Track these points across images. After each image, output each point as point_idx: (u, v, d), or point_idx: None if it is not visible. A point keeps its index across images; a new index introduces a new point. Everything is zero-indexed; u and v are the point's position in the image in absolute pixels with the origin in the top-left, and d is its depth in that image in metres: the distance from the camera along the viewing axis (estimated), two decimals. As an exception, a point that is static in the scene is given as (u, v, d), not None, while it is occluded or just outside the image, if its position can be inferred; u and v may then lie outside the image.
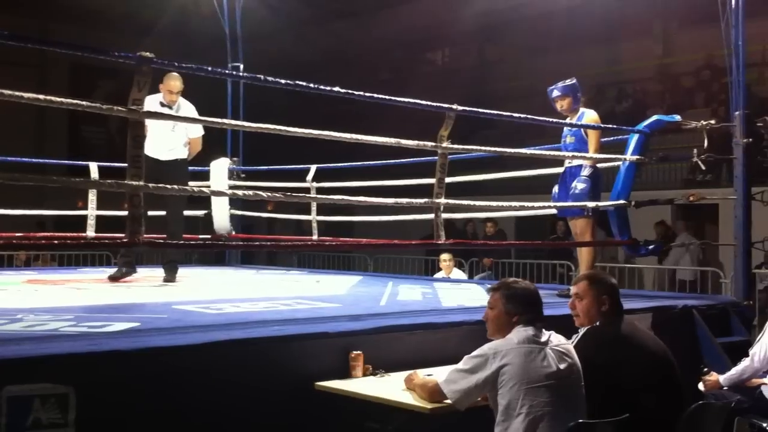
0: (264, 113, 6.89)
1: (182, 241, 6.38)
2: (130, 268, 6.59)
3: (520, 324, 3.35)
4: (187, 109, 6.49)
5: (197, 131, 6.62)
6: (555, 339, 3.38)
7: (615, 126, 6.69)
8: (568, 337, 3.60)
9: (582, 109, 5.98)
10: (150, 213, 6.43)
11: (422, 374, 3.53)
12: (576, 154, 5.86)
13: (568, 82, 6.00)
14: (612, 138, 6.89)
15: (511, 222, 14.16)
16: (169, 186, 4.16)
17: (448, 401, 3.29)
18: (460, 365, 3.31)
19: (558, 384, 3.22)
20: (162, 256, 6.86)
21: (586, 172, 5.84)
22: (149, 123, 6.46)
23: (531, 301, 3.43)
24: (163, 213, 6.41)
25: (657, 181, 13.94)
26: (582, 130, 5.92)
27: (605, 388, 3.49)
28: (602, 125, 6.05)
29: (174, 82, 6.34)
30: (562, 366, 3.28)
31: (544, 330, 3.37)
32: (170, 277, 6.53)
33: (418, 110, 5.10)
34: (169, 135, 6.50)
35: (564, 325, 3.74)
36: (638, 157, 6.11)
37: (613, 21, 16.64)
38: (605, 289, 3.76)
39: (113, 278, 6.51)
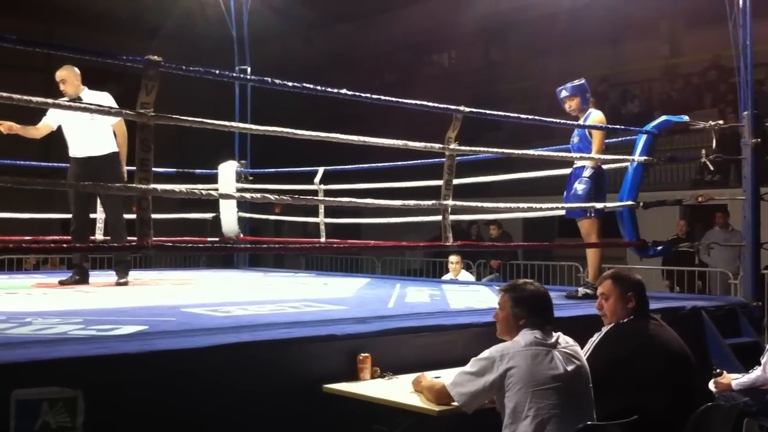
0: (268, 116, 6.88)
1: (127, 242, 5.98)
2: (82, 275, 6.46)
3: (527, 327, 3.34)
4: (97, 97, 6.01)
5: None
6: (563, 341, 3.37)
7: (623, 127, 6.68)
8: (581, 339, 3.58)
9: (590, 110, 5.98)
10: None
11: (430, 376, 3.53)
12: (582, 155, 5.85)
13: (577, 82, 6.01)
14: (620, 139, 6.88)
15: (519, 223, 14.14)
16: (177, 189, 4.15)
17: (456, 404, 3.29)
18: (467, 368, 3.31)
19: (566, 386, 3.21)
20: (114, 258, 6.62)
21: (586, 173, 5.84)
22: (65, 123, 6.27)
23: (539, 304, 3.41)
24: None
25: (665, 181, 13.91)
26: (586, 130, 5.91)
27: (623, 386, 3.49)
28: (608, 126, 6.04)
29: (56, 72, 6.06)
30: (569, 368, 3.27)
31: (553, 332, 3.36)
32: (122, 279, 6.38)
33: (423, 112, 5.10)
34: (89, 128, 6.11)
35: (573, 328, 3.73)
36: (646, 157, 6.10)
37: (619, 21, 16.61)
38: (630, 287, 3.77)
39: (63, 283, 6.42)
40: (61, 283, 6.45)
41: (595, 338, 3.69)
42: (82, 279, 6.47)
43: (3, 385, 2.79)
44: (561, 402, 3.16)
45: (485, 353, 3.30)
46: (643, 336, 3.67)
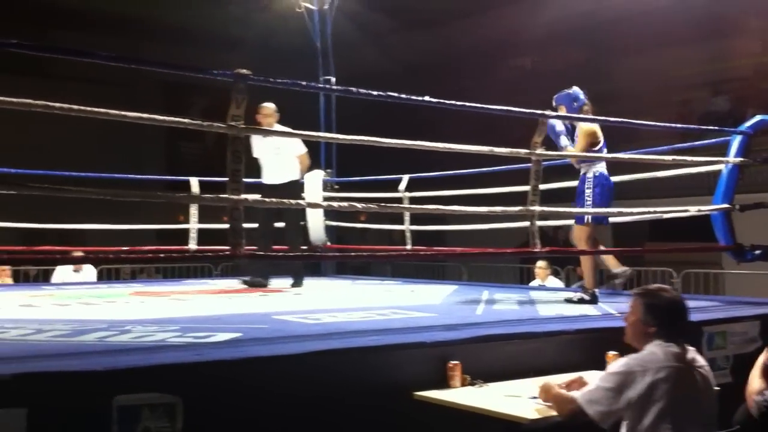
0: (343, 125, 7.02)
1: (298, 251, 7.20)
2: (262, 278, 7.18)
3: (657, 337, 3.12)
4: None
5: (299, 149, 7.09)
6: (699, 360, 3.17)
7: (716, 128, 6.49)
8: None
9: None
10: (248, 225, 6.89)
11: (560, 380, 3.41)
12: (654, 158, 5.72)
13: (566, 91, 5.92)
14: (713, 140, 6.69)
15: (608, 228, 13.83)
16: (267, 199, 4.25)
17: (554, 413, 3.22)
18: (604, 383, 3.09)
19: (699, 408, 3.07)
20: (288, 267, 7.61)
21: (588, 176, 5.85)
22: (259, 154, 7.12)
23: (674, 314, 3.18)
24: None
25: (761, 183, 13.40)
26: (576, 135, 5.83)
27: None
28: (699, 127, 5.90)
29: (258, 116, 6.88)
30: (705, 389, 3.10)
31: (687, 347, 3.16)
32: (298, 284, 7.24)
33: (494, 117, 5.05)
34: (275, 159, 7.03)
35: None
36: (741, 159, 5.92)
37: (708, 19, 16.13)
38: None
39: (248, 284, 7.16)
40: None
41: None
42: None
43: (105, 391, 2.88)
44: (690, 424, 3.00)
45: (621, 366, 3.08)
46: None
